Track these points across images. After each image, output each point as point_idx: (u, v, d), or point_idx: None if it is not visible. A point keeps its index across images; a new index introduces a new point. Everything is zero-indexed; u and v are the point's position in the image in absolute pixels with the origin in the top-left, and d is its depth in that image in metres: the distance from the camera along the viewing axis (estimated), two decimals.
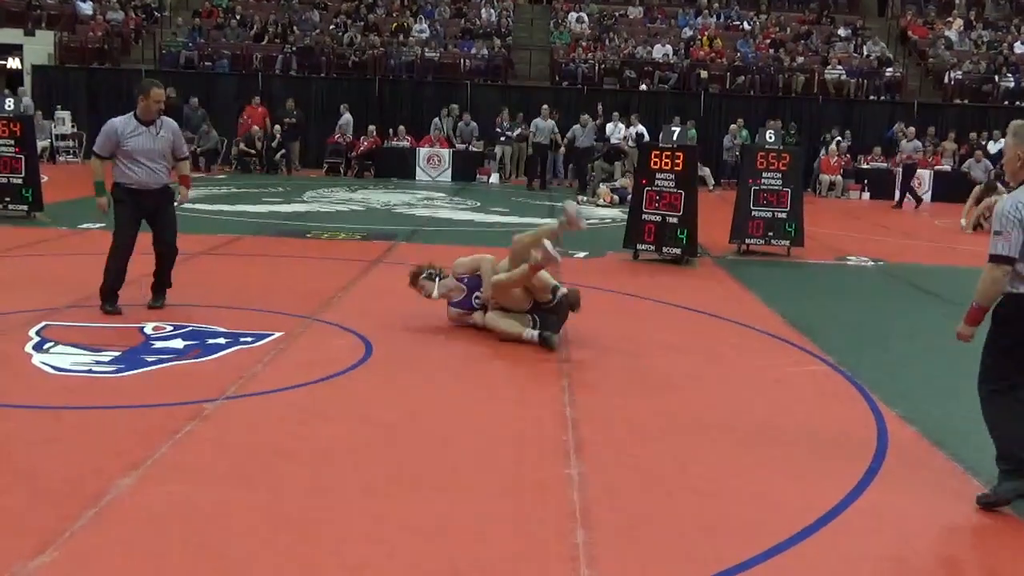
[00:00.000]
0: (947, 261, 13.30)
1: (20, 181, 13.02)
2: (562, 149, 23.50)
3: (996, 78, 26.49)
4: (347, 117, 23.87)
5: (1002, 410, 4.57)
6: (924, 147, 24.33)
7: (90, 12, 27.03)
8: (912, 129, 22.31)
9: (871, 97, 26.31)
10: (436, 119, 24.31)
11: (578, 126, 22.58)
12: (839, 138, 23.98)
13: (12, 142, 13.05)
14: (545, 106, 22.66)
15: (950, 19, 29.85)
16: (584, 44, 27.33)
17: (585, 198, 19.20)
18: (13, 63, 27.70)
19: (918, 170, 22.36)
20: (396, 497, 4.38)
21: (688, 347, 7.62)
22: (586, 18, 29.16)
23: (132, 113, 7.77)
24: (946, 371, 7.23)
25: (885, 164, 23.93)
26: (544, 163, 22.63)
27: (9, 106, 13.44)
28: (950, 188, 23.04)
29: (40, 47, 26.02)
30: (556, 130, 22.67)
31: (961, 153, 24.04)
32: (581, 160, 22.18)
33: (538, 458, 4.95)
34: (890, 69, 27.17)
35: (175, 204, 8.08)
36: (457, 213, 16.59)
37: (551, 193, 21.17)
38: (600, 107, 23.71)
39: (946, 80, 26.70)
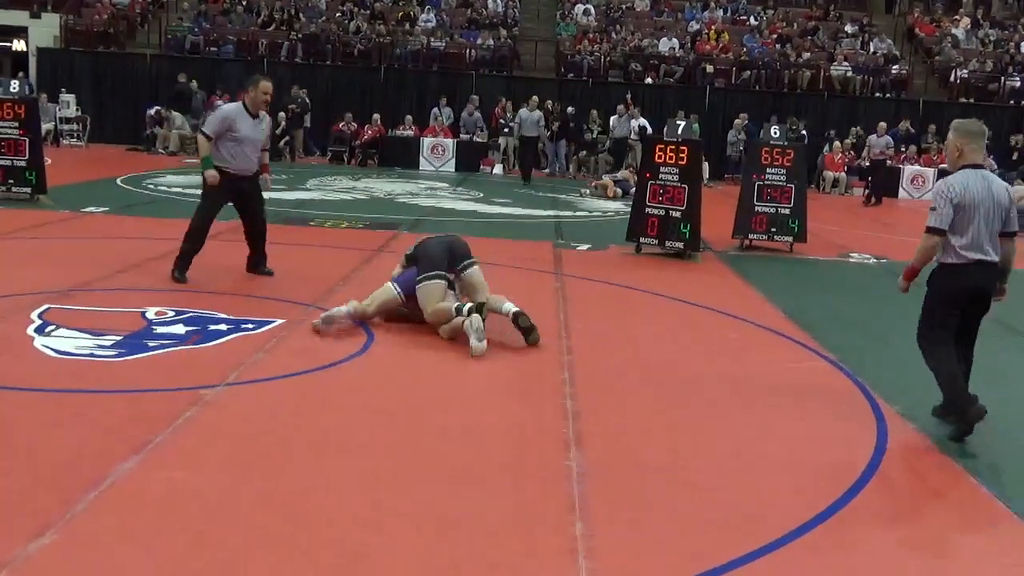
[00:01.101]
0: None
1: (24, 163, 13.02)
2: (563, 142, 23.53)
3: (1002, 77, 26.44)
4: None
5: (942, 359, 5.45)
6: (928, 144, 24.32)
7: None
8: (883, 124, 22.06)
9: (877, 94, 26.27)
10: (435, 109, 24.29)
11: (615, 116, 22.71)
12: (837, 141, 23.83)
13: (16, 124, 13.04)
14: (535, 97, 22.36)
15: (957, 17, 29.79)
16: (590, 36, 27.28)
17: (589, 191, 19.21)
18: (18, 45, 27.68)
19: (919, 168, 22.33)
20: (396, 486, 4.38)
21: (689, 341, 7.62)
22: (593, 10, 29.11)
23: (241, 103, 8.56)
24: None
25: (890, 162, 23.86)
26: (530, 156, 22.19)
27: (14, 88, 13.43)
28: None
29: (45, 30, 26.00)
30: (544, 121, 22.39)
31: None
32: (621, 151, 22.23)
33: (538, 450, 4.95)
34: (896, 66, 27.12)
35: (264, 189, 8.89)
36: (460, 203, 16.58)
37: (554, 184, 21.17)
38: (629, 98, 23.69)
39: (952, 78, 26.64)
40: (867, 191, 21.73)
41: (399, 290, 7.24)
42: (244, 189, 8.63)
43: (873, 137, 21.93)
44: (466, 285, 7.31)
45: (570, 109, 23.87)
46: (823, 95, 25.72)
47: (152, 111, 23.40)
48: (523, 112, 21.87)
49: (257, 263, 9.01)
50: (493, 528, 4.03)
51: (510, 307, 7.07)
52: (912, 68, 27.44)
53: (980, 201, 5.27)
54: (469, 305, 6.89)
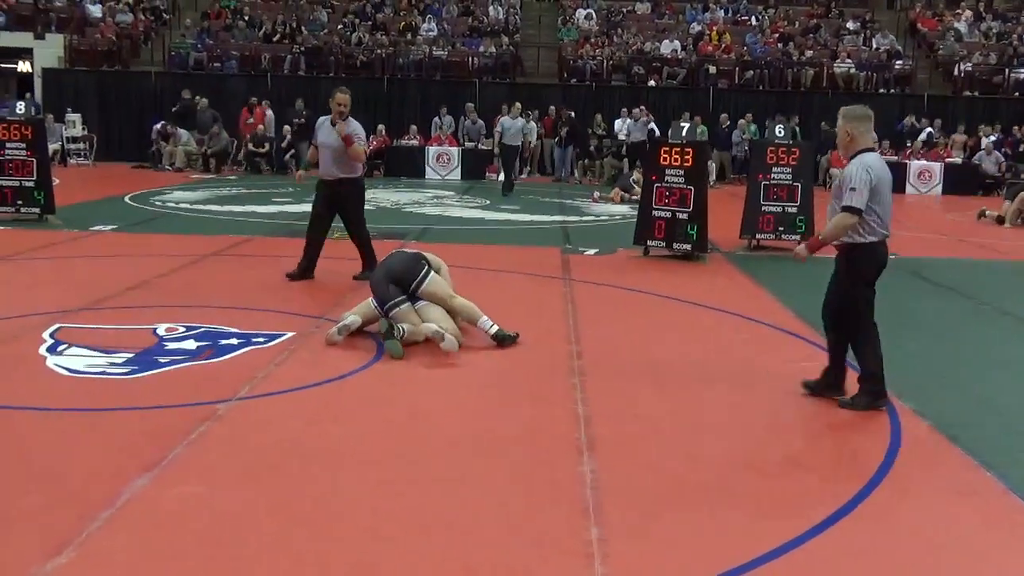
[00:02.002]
0: (959, 254, 13.25)
1: (32, 184, 13.07)
2: (570, 147, 23.50)
3: (1006, 70, 26.37)
4: (270, 114, 23.77)
5: (874, 335, 5.80)
6: (935, 139, 24.26)
7: (99, 15, 27.09)
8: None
9: (881, 90, 26.21)
10: (436, 118, 24.32)
11: (631, 120, 22.63)
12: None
13: (24, 145, 13.10)
14: (517, 104, 21.23)
15: (959, 11, 29.71)
16: (592, 40, 27.30)
17: (600, 193, 19.20)
18: (24, 67, 27.81)
19: (925, 163, 22.25)
20: (409, 495, 4.39)
21: (699, 343, 7.61)
22: (594, 14, 29.13)
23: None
24: (960, 364, 7.23)
25: (895, 157, 23.84)
26: (510, 165, 20.62)
27: (20, 109, 13.49)
28: (960, 181, 22.98)
29: (50, 50, 26.10)
30: (527, 129, 21.57)
31: (970, 145, 23.93)
32: (640, 154, 22.18)
33: (551, 455, 4.95)
34: (899, 62, 27.07)
35: (341, 131, 9.17)
36: (467, 211, 16.59)
37: (557, 188, 21.17)
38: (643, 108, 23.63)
39: (956, 72, 26.57)
40: None
41: (376, 304, 7.18)
42: (334, 194, 9.38)
43: None
44: (428, 298, 7.14)
45: (570, 114, 23.89)
46: (827, 93, 25.66)
47: (159, 126, 23.49)
48: (506, 120, 20.45)
49: (363, 268, 9.51)
50: (508, 534, 4.03)
51: (486, 324, 7.10)
52: (915, 63, 27.37)
53: (886, 181, 5.75)
54: (435, 333, 6.80)
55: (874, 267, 5.79)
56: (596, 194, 19.28)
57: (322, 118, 9.47)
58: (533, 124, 23.17)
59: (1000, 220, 16.77)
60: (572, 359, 6.85)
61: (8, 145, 13.06)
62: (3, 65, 29.31)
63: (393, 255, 7.44)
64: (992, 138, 23.75)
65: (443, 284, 7.25)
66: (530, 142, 23.14)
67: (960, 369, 7.10)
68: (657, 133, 20.23)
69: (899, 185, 23.14)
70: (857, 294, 5.83)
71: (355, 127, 9.30)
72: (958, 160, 23.71)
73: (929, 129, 24.35)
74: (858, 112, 5.81)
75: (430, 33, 27.52)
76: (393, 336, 6.77)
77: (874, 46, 27.67)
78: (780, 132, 13.16)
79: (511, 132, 20.24)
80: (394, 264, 7.23)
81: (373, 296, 7.18)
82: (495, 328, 7.10)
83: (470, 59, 26.54)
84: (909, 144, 24.07)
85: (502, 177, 20.36)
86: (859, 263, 5.80)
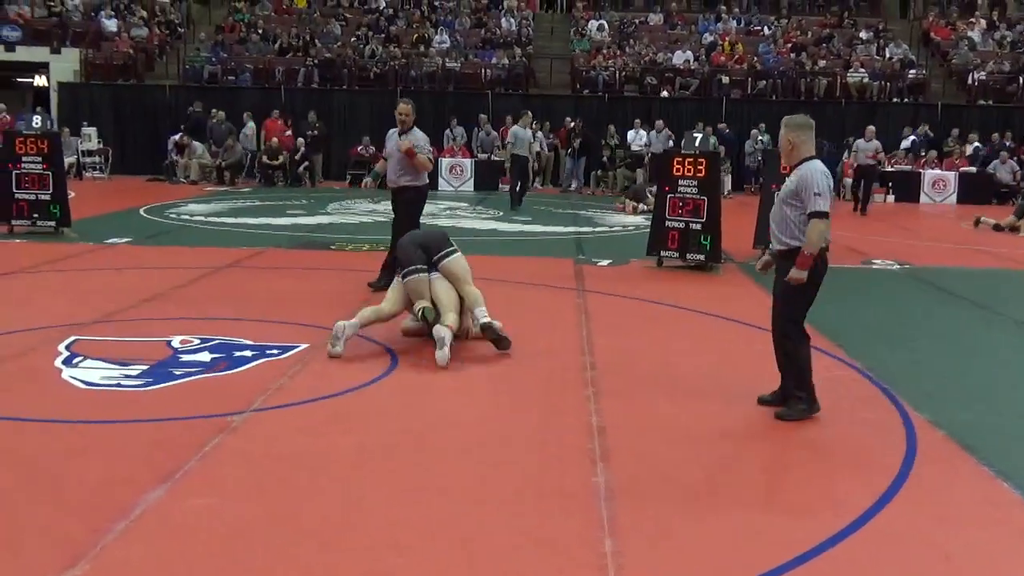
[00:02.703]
0: (974, 263, 13.19)
1: (48, 197, 13.15)
2: (583, 158, 23.50)
3: (1020, 78, 26.27)
4: (251, 126, 23.90)
5: (806, 344, 5.92)
6: (949, 147, 24.17)
7: (115, 29, 27.29)
8: (872, 128, 20.71)
9: (894, 99, 26.15)
10: (447, 131, 24.36)
11: (653, 132, 22.61)
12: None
13: (40, 159, 13.19)
14: (528, 113, 20.51)
15: (973, 19, 29.64)
16: (605, 52, 27.33)
17: (628, 201, 19.23)
18: (40, 81, 28.02)
19: (939, 172, 22.13)
20: (422, 507, 4.38)
21: (713, 353, 7.59)
22: (606, 26, 29.16)
23: None
24: (975, 374, 7.19)
25: (909, 166, 23.78)
26: (524, 177, 19.88)
27: (37, 123, 13.59)
28: (975, 189, 22.90)
29: (66, 64, 26.31)
30: (533, 139, 20.87)
31: (984, 154, 23.83)
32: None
33: (564, 466, 4.94)
34: (913, 71, 27.00)
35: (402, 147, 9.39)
36: (480, 223, 16.61)
37: (570, 200, 21.17)
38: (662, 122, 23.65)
39: (970, 81, 26.50)
40: (869, 198, 20.53)
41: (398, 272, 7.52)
42: (397, 200, 9.64)
43: (860, 142, 20.59)
44: (446, 275, 7.40)
45: (581, 124, 23.84)
46: (840, 102, 25.62)
47: (176, 137, 23.65)
48: (516, 130, 19.62)
49: (378, 278, 9.59)
50: (521, 546, 4.02)
51: (481, 314, 7.20)
52: (929, 72, 27.31)
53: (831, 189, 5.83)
54: (419, 308, 7.11)
55: (822, 270, 5.83)
56: (620, 204, 19.30)
57: (392, 130, 9.75)
58: (540, 135, 23.17)
59: (998, 227, 16.68)
60: (585, 370, 6.84)
61: (25, 159, 13.15)
62: (20, 79, 29.54)
63: (423, 229, 7.87)
64: (975, 145, 23.73)
65: (464, 267, 7.50)
66: (539, 153, 23.12)
67: (976, 379, 7.06)
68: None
69: (913, 194, 23.12)
70: (804, 294, 5.86)
71: (418, 138, 9.50)
72: (972, 169, 23.61)
73: (913, 137, 24.06)
74: (800, 121, 5.91)
75: (443, 45, 27.60)
76: (425, 317, 7.05)
77: (887, 55, 27.61)
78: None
79: (522, 142, 19.66)
80: (426, 234, 7.67)
81: (398, 261, 7.51)
82: (485, 319, 7.18)
83: (483, 71, 26.61)
84: (924, 153, 23.98)
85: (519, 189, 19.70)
86: (814, 268, 5.81)
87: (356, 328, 7.08)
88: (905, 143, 24.25)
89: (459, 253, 7.54)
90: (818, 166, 5.77)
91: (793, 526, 4.29)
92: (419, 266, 7.27)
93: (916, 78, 26.70)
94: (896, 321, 9.14)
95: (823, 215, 5.62)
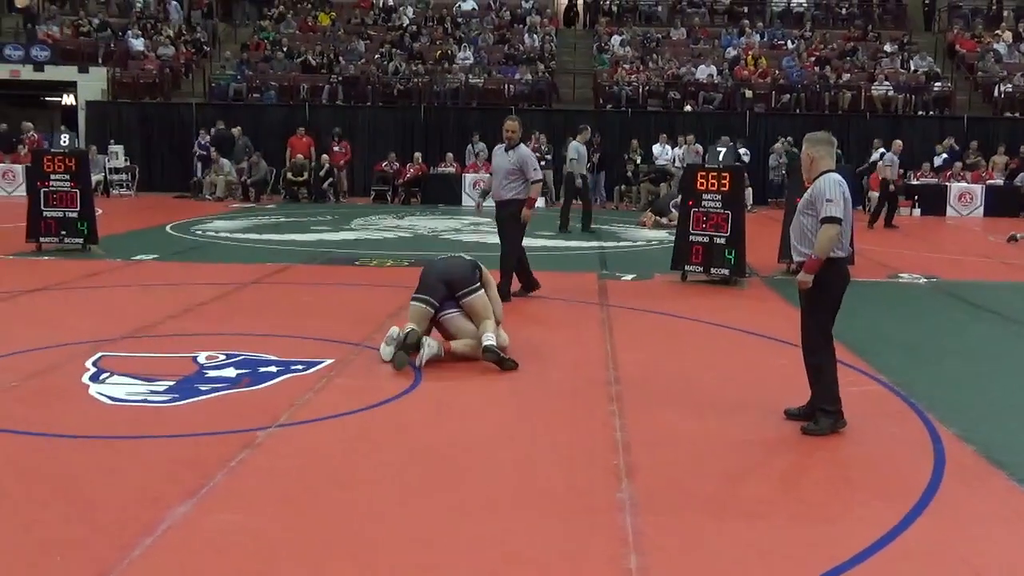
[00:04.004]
0: (1002, 277, 13.07)
1: (75, 215, 13.28)
2: (603, 173, 23.46)
3: None
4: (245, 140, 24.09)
5: (832, 356, 5.91)
6: (975, 161, 23.97)
7: (142, 48, 27.62)
8: (899, 143, 20.31)
9: (919, 112, 26.00)
10: (469, 146, 24.44)
11: (723, 149, 22.49)
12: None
13: (68, 177, 13.33)
14: (587, 127, 19.05)
15: (998, 32, 29.45)
16: (627, 67, 27.35)
17: (650, 214, 19.21)
18: (68, 99, 28.35)
19: (966, 185, 21.92)
20: (447, 523, 4.38)
21: (738, 368, 7.55)
22: (629, 41, 29.18)
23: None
24: (1005, 389, 7.11)
25: (935, 180, 23.61)
26: (577, 196, 17.78)
27: (64, 142, 13.75)
28: (1001, 202, 22.72)
29: (94, 83, 26.62)
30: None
31: (1012, 167, 23.63)
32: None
33: (589, 482, 4.93)
34: (938, 84, 26.85)
35: (521, 220, 9.90)
36: None
37: (593, 215, 21.15)
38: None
39: (996, 93, 26.32)
40: (894, 212, 20.03)
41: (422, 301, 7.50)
42: (499, 215, 10.01)
43: (890, 155, 19.86)
44: (467, 311, 7.42)
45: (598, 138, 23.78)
46: (865, 115, 25.49)
47: (204, 140, 23.87)
48: (578, 145, 17.94)
49: (523, 286, 10.28)
50: (547, 562, 4.00)
51: (486, 337, 7.22)
52: (954, 85, 27.14)
53: (850, 200, 5.88)
54: (407, 329, 7.18)
55: (842, 282, 5.90)
56: (644, 219, 19.29)
57: (498, 146, 10.07)
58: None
59: None
60: (610, 384, 6.82)
61: (53, 177, 13.30)
62: (48, 98, 29.90)
63: (452, 258, 7.81)
64: (944, 156, 23.62)
65: (487, 305, 7.45)
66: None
67: (1005, 393, 6.99)
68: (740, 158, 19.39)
69: (940, 207, 22.94)
70: (828, 306, 5.91)
71: (524, 155, 9.81)
72: (999, 182, 23.42)
73: (882, 149, 23.23)
74: (819, 137, 6.12)
75: (466, 61, 27.71)
76: (418, 347, 7.11)
77: (912, 68, 27.47)
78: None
79: (583, 159, 17.93)
80: (452, 266, 7.56)
81: (419, 282, 7.49)
82: (487, 342, 7.18)
83: (506, 87, 26.69)
84: (950, 167, 23.81)
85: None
86: (832, 278, 5.85)
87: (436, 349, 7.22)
88: (937, 160, 24.03)
89: (482, 291, 7.45)
90: (834, 176, 5.86)
91: (820, 542, 4.25)
92: (431, 300, 7.34)
93: (941, 91, 26.54)
94: (924, 335, 9.06)
95: (835, 220, 5.68)
